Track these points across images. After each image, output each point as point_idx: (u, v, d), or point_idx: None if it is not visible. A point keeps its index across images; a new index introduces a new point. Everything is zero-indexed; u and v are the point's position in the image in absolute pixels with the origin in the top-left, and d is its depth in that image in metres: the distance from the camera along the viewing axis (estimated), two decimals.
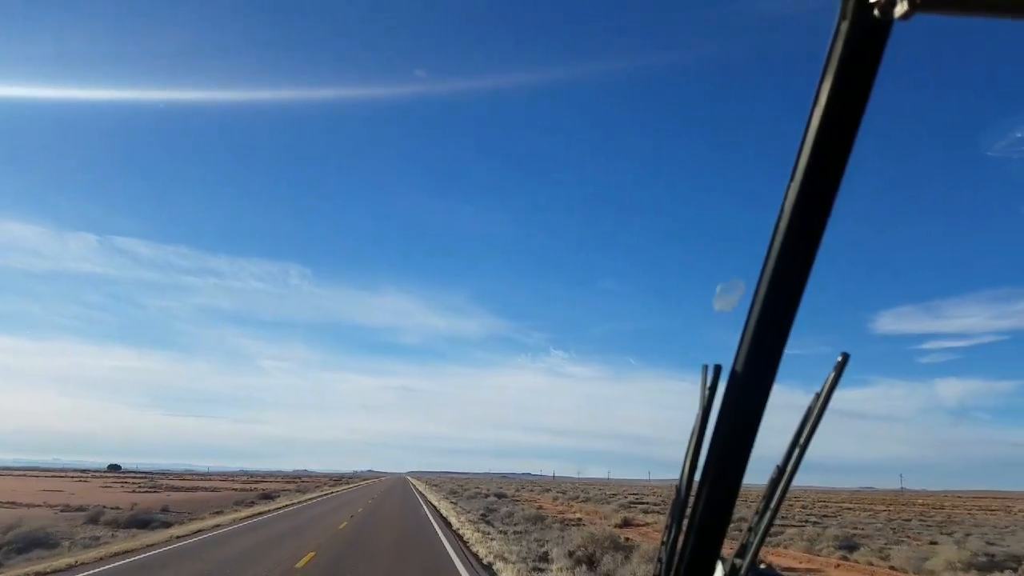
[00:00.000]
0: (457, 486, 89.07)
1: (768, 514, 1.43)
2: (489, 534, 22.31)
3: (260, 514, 31.18)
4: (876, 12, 0.96)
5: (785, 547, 23.89)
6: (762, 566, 1.59)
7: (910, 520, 43.50)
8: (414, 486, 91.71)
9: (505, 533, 22.97)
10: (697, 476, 1.41)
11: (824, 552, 22.48)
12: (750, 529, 1.49)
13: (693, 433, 1.40)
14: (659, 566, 1.49)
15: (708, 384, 1.36)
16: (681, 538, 1.44)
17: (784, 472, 1.41)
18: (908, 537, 29.78)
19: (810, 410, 1.38)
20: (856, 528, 33.73)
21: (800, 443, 1.39)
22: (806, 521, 37.47)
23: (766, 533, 1.43)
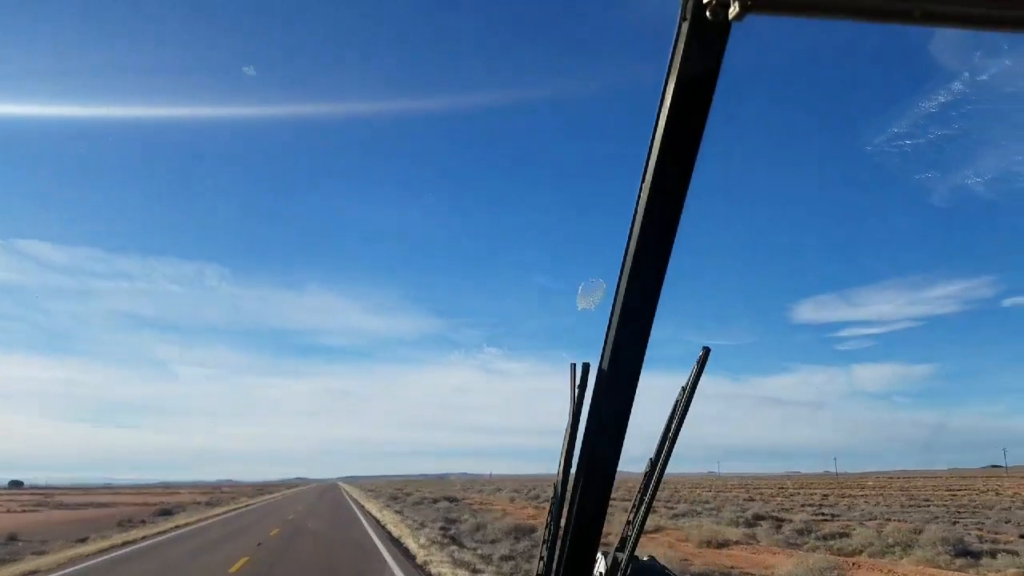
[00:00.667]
0: (396, 490, 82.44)
1: (644, 506, 1.48)
2: (472, 565, 15.06)
3: (133, 542, 24.30)
4: (708, 14, 0.99)
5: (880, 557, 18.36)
6: (645, 558, 1.63)
7: (927, 505, 41.50)
8: (348, 493, 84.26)
9: (489, 559, 16.10)
10: (572, 472, 1.43)
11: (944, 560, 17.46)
12: (628, 522, 1.53)
13: (566, 431, 1.41)
14: (540, 564, 1.50)
15: (577, 382, 1.38)
16: (560, 534, 1.46)
17: (656, 464, 1.46)
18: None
19: (677, 403, 1.43)
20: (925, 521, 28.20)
21: (670, 436, 1.43)
22: (828, 515, 33.94)
23: (643, 525, 1.47)
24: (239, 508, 52.82)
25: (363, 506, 47.56)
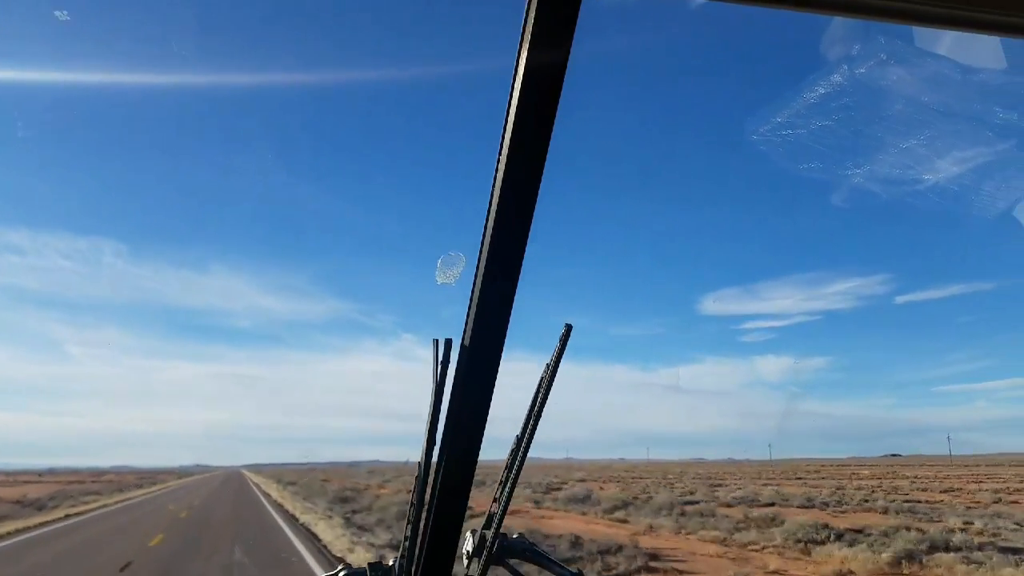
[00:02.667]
0: (316, 483, 61.54)
1: (510, 484, 1.51)
2: None
3: None
4: None
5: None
6: (514, 536, 1.67)
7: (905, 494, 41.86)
8: (256, 486, 66.31)
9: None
10: (436, 450, 1.44)
11: None
12: (495, 499, 1.56)
13: (429, 408, 1.42)
14: (404, 544, 1.51)
15: (440, 358, 1.39)
16: (424, 513, 1.47)
17: (522, 441, 1.49)
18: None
19: (542, 380, 1.46)
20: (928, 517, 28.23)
21: (535, 413, 1.46)
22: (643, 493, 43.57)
23: (508, 502, 1.50)
24: (110, 506, 39.84)
25: (280, 505, 36.87)
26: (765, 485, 53.05)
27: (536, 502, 36.78)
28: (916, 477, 66.49)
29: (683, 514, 28.50)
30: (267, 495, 48.57)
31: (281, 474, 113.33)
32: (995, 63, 2.75)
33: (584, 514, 30.95)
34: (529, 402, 1.51)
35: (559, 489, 46.74)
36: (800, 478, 67.86)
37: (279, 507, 35.27)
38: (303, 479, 73.57)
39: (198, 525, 26.84)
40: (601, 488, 48.35)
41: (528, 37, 1.12)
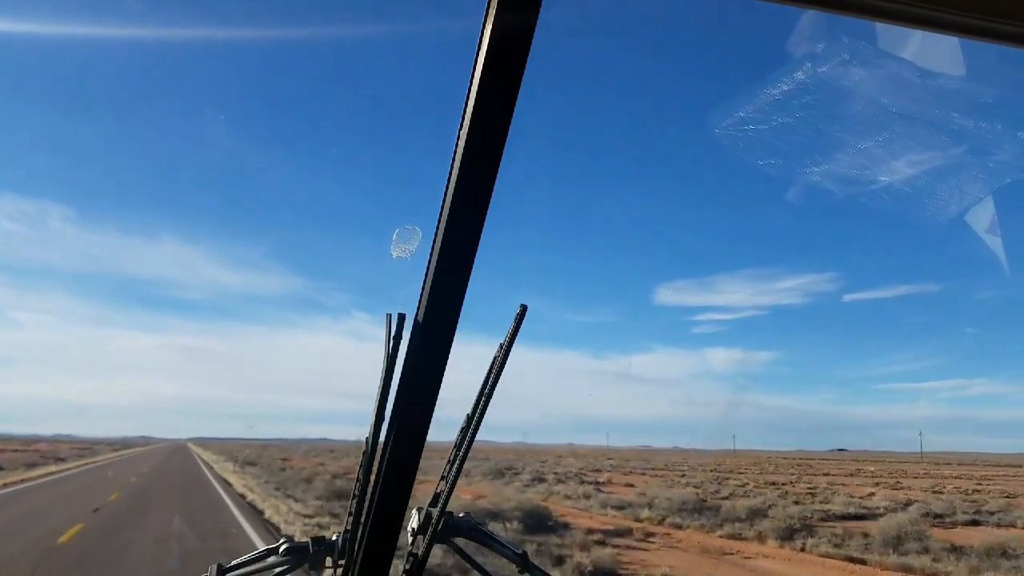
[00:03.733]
0: (276, 463, 53.53)
1: (458, 462, 1.51)
2: None
3: None
4: None
5: None
6: (461, 515, 1.68)
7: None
8: (207, 466, 54.73)
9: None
10: (384, 426, 1.44)
11: None
12: (443, 478, 1.56)
13: (379, 383, 1.42)
14: (349, 519, 1.51)
15: (392, 333, 1.38)
16: (370, 489, 1.47)
17: (472, 420, 1.49)
18: None
19: (495, 360, 1.46)
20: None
21: (486, 393, 1.47)
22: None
23: (455, 481, 1.51)
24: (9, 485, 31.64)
25: (242, 496, 27.30)
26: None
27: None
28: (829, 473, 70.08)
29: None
30: (224, 482, 35.01)
31: (231, 449, 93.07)
32: (954, 68, 2.84)
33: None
34: (481, 383, 1.51)
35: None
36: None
37: (254, 513, 22.02)
38: (261, 458, 58.71)
39: None
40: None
41: (490, 24, 1.11)
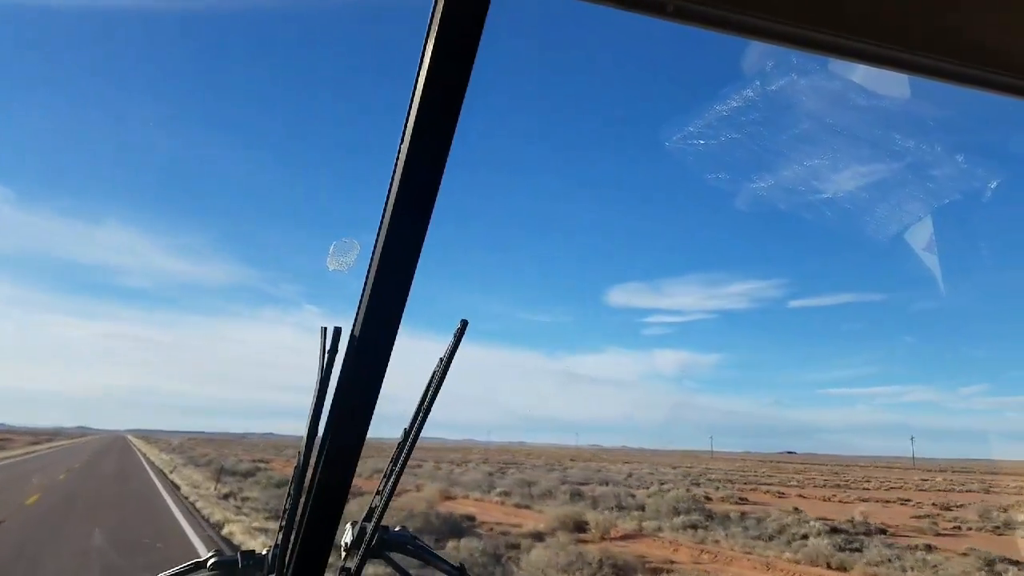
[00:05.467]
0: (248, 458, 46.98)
1: (394, 476, 1.50)
2: None
3: None
4: None
5: None
6: (397, 528, 1.66)
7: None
8: (158, 474, 37.57)
9: None
10: (318, 440, 1.41)
11: None
12: (378, 492, 1.55)
13: (313, 398, 1.39)
14: (279, 534, 1.47)
15: (328, 347, 1.36)
16: (302, 503, 1.44)
17: (410, 434, 1.48)
18: None
19: (434, 374, 1.45)
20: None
21: (424, 408, 1.46)
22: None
23: (391, 495, 1.49)
24: None
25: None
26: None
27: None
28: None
29: None
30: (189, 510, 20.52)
31: (181, 446, 77.19)
32: (898, 92, 2.95)
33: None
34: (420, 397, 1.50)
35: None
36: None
37: None
38: (240, 464, 41.64)
39: None
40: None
41: (434, 32, 1.10)
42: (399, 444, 1.55)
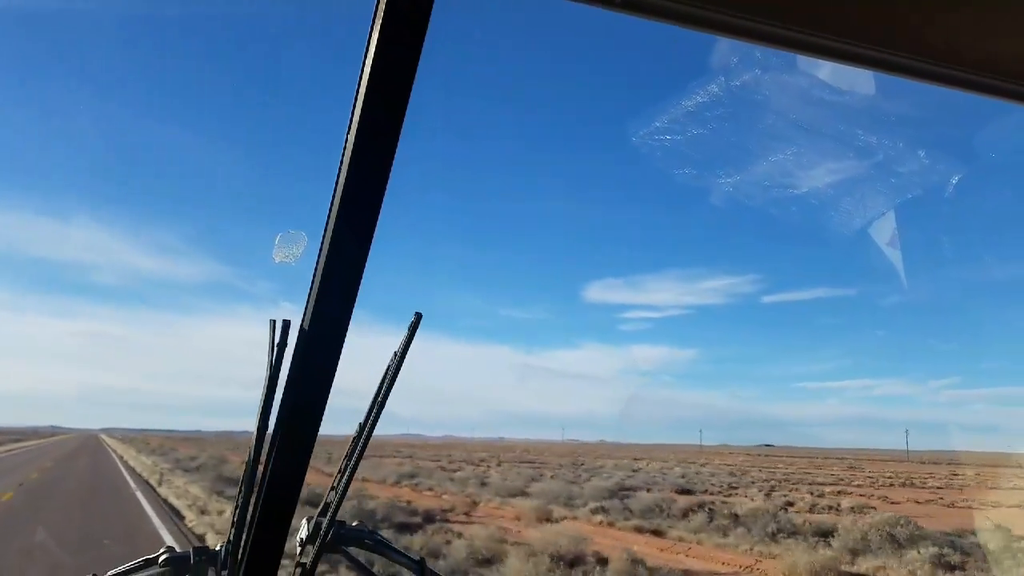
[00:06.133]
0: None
1: (348, 471, 1.49)
2: None
3: None
4: None
5: None
6: (354, 523, 1.65)
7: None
8: (127, 467, 36.71)
9: None
10: (269, 434, 1.40)
11: None
12: (333, 487, 1.54)
13: (262, 393, 1.38)
14: (231, 529, 1.46)
15: (277, 340, 1.35)
16: (254, 498, 1.43)
17: (364, 429, 1.47)
18: None
19: (388, 368, 1.45)
20: None
21: (379, 402, 1.45)
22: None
23: (346, 490, 1.49)
24: None
25: None
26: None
27: None
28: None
29: None
30: None
31: (161, 446, 63.53)
32: (863, 88, 2.99)
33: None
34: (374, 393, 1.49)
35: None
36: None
37: None
38: (239, 463, 21.30)
39: None
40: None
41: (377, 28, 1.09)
42: (353, 439, 1.54)
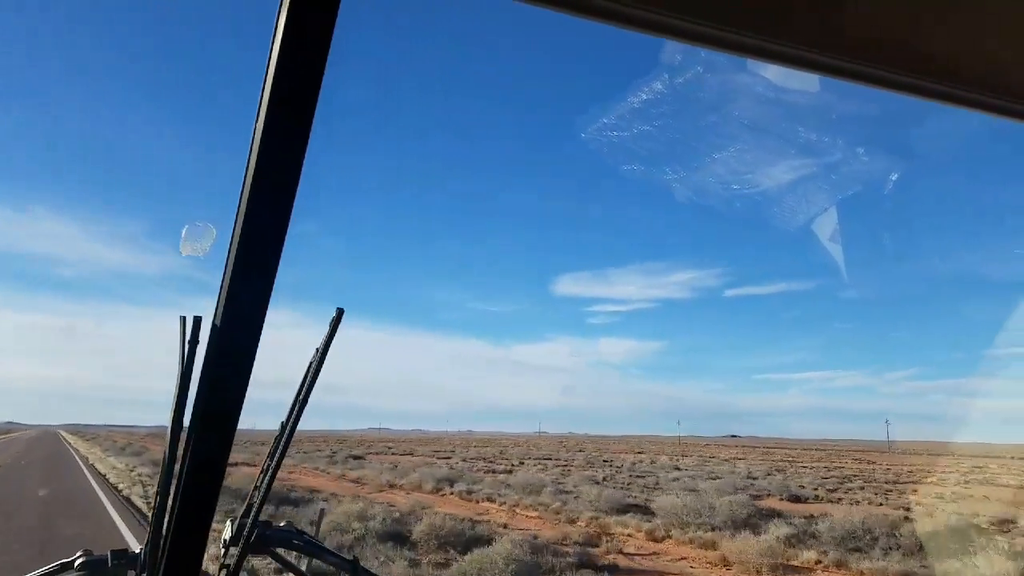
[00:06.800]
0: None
1: (271, 471, 1.45)
2: None
3: None
4: None
5: None
6: (282, 524, 1.62)
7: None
8: (95, 474, 28.81)
9: None
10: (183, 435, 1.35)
11: None
12: (255, 487, 1.50)
13: (175, 391, 1.33)
14: (150, 531, 1.41)
15: (188, 337, 1.30)
16: (171, 500, 1.38)
17: (287, 427, 1.44)
18: None
19: (311, 364, 1.41)
20: None
21: (301, 398, 1.42)
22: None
23: (268, 490, 1.45)
24: None
25: None
26: None
27: None
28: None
29: None
30: None
31: (130, 445, 54.10)
32: (805, 86, 3.01)
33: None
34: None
35: None
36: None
37: None
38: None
39: None
40: None
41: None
42: (276, 438, 1.50)
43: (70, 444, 68.47)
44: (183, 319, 1.36)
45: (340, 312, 1.39)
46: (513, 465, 43.90)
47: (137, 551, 1.52)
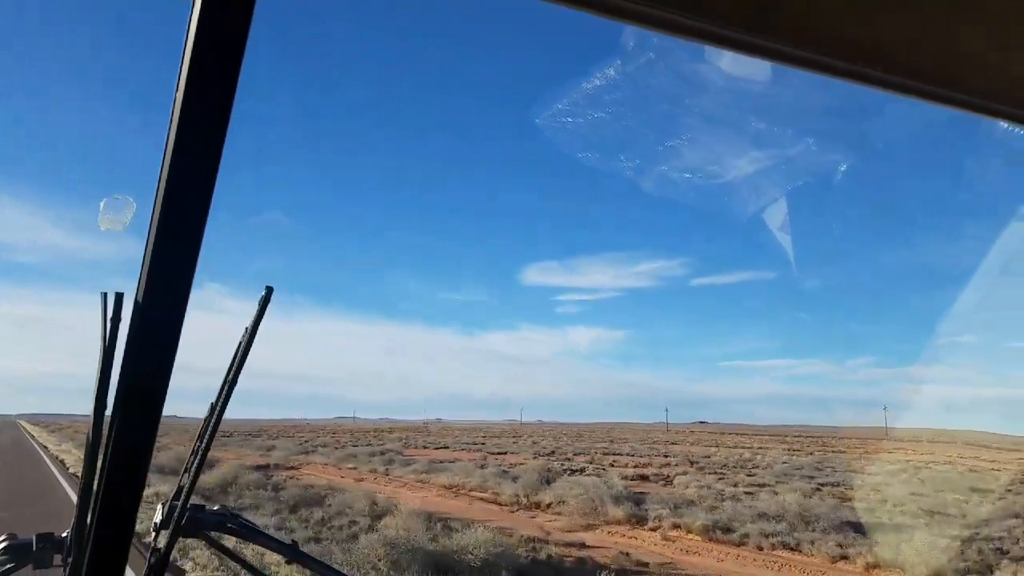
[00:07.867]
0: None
1: (201, 453, 1.42)
2: None
3: None
4: None
5: None
6: (215, 508, 1.60)
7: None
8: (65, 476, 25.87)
9: None
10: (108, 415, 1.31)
11: None
12: (185, 470, 1.47)
13: (97, 371, 1.29)
14: (75, 514, 1.38)
15: (110, 314, 1.26)
16: (96, 484, 1.35)
17: (215, 409, 1.41)
18: None
19: (240, 345, 1.38)
20: None
21: (230, 379, 1.39)
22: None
23: (198, 473, 1.42)
24: None
25: None
26: None
27: None
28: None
29: None
30: None
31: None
32: (757, 74, 3.04)
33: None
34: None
35: None
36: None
37: None
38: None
39: None
40: None
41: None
42: (204, 420, 1.47)
43: (29, 433, 73.32)
44: (104, 295, 1.31)
45: (269, 291, 1.36)
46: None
47: (64, 535, 1.48)
